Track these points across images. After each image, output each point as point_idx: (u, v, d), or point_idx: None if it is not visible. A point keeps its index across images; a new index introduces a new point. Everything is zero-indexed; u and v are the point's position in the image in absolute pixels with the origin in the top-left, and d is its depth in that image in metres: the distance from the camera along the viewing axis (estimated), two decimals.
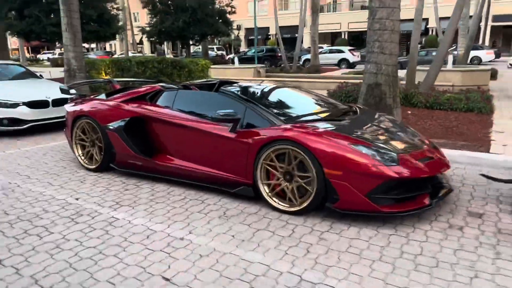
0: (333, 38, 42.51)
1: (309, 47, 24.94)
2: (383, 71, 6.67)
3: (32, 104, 7.11)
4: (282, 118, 3.82)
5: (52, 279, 2.52)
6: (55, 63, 34.09)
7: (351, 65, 27.09)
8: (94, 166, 4.89)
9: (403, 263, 2.68)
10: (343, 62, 27.36)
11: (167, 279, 2.50)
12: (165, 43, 32.10)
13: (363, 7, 41.68)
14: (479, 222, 3.32)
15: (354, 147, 3.30)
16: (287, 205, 3.55)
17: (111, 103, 4.75)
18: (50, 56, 47.68)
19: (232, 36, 35.78)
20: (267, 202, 3.65)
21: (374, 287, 2.42)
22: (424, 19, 38.40)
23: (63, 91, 5.35)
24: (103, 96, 5.13)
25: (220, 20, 24.21)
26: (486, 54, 26.51)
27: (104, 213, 3.62)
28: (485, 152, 5.16)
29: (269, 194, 3.64)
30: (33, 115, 7.09)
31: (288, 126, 3.59)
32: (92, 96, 5.37)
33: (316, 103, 4.63)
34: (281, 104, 4.35)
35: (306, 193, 3.44)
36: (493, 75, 15.72)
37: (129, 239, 3.10)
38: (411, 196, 3.34)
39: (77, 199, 4.01)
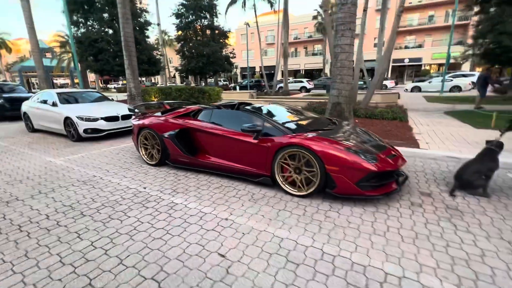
0: (295, 73, 41.99)
1: (281, 79, 24.21)
2: (342, 95, 6.27)
3: (107, 119, 6.46)
4: (291, 129, 3.36)
5: (133, 259, 2.04)
6: (119, 90, 32.73)
7: (308, 90, 26.69)
8: (154, 163, 4.34)
9: (392, 236, 2.29)
10: (302, 88, 26.95)
11: (222, 256, 2.05)
12: (189, 77, 31.02)
13: (313, 54, 41.29)
14: (431, 200, 2.96)
15: (346, 149, 2.88)
16: (296, 191, 3.11)
17: (165, 118, 4.20)
18: (115, 85, 45.73)
19: (233, 72, 34.90)
20: (281, 188, 3.21)
21: (379, 257, 2.01)
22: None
23: (130, 110, 4.75)
24: (158, 114, 4.56)
25: (226, 62, 23.41)
26: (390, 83, 26.40)
27: (165, 199, 3.12)
28: (416, 148, 4.82)
29: (283, 182, 3.20)
30: (107, 126, 6.44)
31: (295, 135, 3.14)
32: (149, 114, 4.79)
33: (309, 117, 4.17)
34: (285, 118, 3.86)
35: (311, 182, 3.02)
36: (398, 96, 15.51)
37: (188, 221, 2.62)
38: (384, 183, 2.94)
39: (145, 188, 3.48)
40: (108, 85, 53.73)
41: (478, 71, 25.23)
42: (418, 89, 21.75)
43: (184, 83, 38.74)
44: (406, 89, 22.55)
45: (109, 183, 3.67)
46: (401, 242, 2.18)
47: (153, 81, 51.14)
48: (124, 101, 10.50)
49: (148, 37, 18.13)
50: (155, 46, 20.84)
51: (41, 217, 2.73)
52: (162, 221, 2.61)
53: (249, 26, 28.25)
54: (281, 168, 3.19)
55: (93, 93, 8.25)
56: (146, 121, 4.35)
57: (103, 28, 15.98)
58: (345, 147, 2.93)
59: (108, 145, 5.98)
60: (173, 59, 48.15)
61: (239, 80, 42.35)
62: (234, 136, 3.50)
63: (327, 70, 39.43)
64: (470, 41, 16.83)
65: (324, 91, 23.57)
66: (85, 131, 6.22)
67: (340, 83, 6.23)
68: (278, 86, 28.68)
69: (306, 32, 41.00)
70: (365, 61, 36.91)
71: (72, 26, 15.23)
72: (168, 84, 29.83)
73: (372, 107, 9.36)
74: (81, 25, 16.64)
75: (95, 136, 6.36)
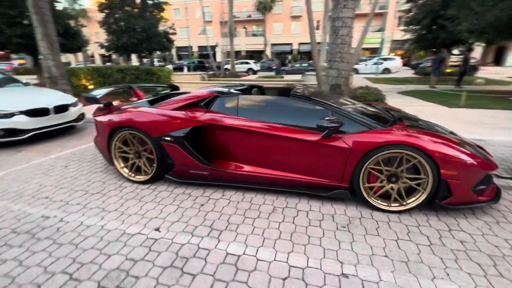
0: (236, 54, 40.41)
1: (222, 60, 22.28)
2: (342, 75, 5.65)
3: (31, 113, 4.27)
4: (378, 122, 2.43)
5: None
6: (16, 72, 24.93)
7: (255, 72, 25.81)
8: (144, 178, 2.85)
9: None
10: (249, 70, 25.90)
11: None
12: (120, 56, 26.20)
13: (253, 35, 40.23)
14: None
15: (460, 147, 2.16)
16: (388, 205, 2.29)
17: (162, 112, 2.72)
18: (4, 66, 32.01)
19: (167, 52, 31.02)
20: (368, 203, 2.33)
21: None
22: (289, 44, 39.26)
23: (89, 99, 2.99)
24: (142, 104, 2.98)
25: (165, 39, 20.30)
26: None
27: (211, 249, 1.85)
28: None
29: (371, 195, 2.31)
30: (32, 123, 4.27)
31: (389, 130, 2.25)
32: (120, 105, 3.15)
33: (356, 103, 3.17)
34: (346, 108, 2.65)
35: (412, 193, 2.23)
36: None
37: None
38: (489, 186, 2.35)
39: (158, 230, 2.09)
40: None
41: (394, 56, 28.76)
42: (356, 71, 23.39)
43: (111, 63, 32.78)
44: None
45: (83, 228, 2.12)
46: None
47: (64, 61, 41.66)
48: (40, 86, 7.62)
49: (57, 1, 13.86)
50: (71, 14, 16.25)
51: None
52: None
53: None
54: (367, 177, 2.29)
55: None
56: (125, 117, 2.76)
57: None
58: (457, 143, 2.21)
59: (42, 154, 3.95)
60: (90, 34, 40.00)
61: (176, 60, 38.32)
62: (291, 135, 2.39)
63: (268, 52, 39.20)
64: (400, 27, 18.66)
65: (270, 73, 23.14)
66: None
67: (340, 62, 5.56)
68: (223, 67, 26.92)
69: (245, 11, 39.35)
70: (305, 43, 38.19)
71: None
72: (88, 65, 24.63)
73: (351, 89, 9.11)
74: None
75: (10, 140, 4.16)
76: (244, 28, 40.50)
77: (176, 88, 4.28)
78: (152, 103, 2.93)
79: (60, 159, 3.69)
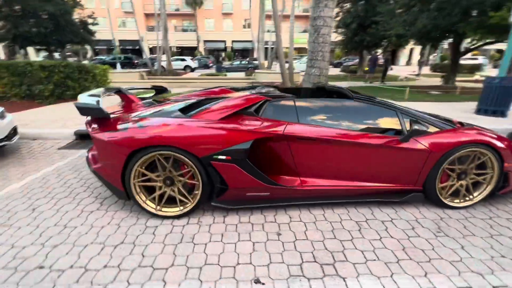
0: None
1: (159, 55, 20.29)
2: (324, 74, 5.74)
3: None
4: (446, 122, 2.45)
5: None
6: None
7: (192, 70, 24.33)
8: (179, 211, 2.17)
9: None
10: (187, 67, 24.25)
11: None
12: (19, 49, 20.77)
13: (183, 30, 37.96)
14: None
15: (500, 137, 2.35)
16: (459, 202, 2.35)
17: (207, 124, 2.08)
18: None
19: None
20: (442, 203, 2.33)
21: None
22: (223, 41, 38.71)
23: (88, 111, 2.01)
24: (168, 113, 2.23)
25: (83, 29, 16.95)
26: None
27: None
28: None
29: (444, 196, 2.33)
30: None
31: (463, 131, 2.28)
32: (121, 116, 2.32)
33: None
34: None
35: (478, 187, 2.35)
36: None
37: None
38: None
39: (258, 281, 1.56)
40: None
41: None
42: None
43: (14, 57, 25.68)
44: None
45: None
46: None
47: None
48: None
49: None
50: None
51: None
52: None
53: None
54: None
55: None
56: (154, 133, 1.99)
57: None
58: (495, 134, 2.40)
59: None
60: None
61: (93, 56, 32.84)
62: (368, 141, 2.17)
63: (201, 49, 37.71)
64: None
65: (210, 71, 22.30)
66: None
67: (322, 61, 5.64)
68: (156, 64, 24.45)
69: (172, 5, 36.64)
70: (238, 41, 38.28)
71: None
72: None
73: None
74: None
75: None
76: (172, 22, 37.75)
77: (164, 90, 3.50)
78: (183, 111, 2.22)
79: (14, 199, 2.51)
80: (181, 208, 2.17)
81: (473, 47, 10.81)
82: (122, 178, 2.09)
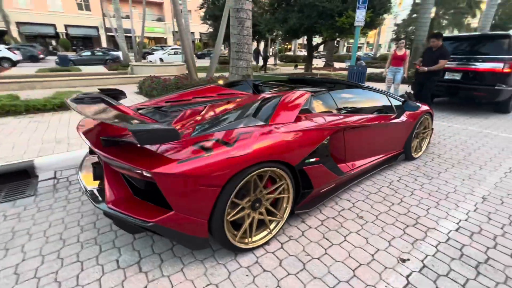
0: None
1: None
2: (250, 66, 5.93)
3: None
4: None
5: None
6: None
7: (14, 64, 17.11)
8: (271, 234, 1.84)
9: None
10: (4, 60, 16.67)
11: None
12: None
13: None
14: None
15: None
16: (418, 152, 3.39)
17: (289, 128, 1.81)
18: None
19: None
20: (413, 158, 3.27)
21: None
22: (52, 24, 29.32)
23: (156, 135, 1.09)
24: (243, 124, 1.73)
25: None
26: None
27: None
28: None
29: (413, 151, 3.28)
30: None
31: (423, 105, 3.23)
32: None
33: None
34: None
35: (424, 141, 3.47)
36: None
37: None
38: None
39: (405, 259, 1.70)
40: None
41: (174, 46, 30.76)
42: (161, 60, 22.87)
43: None
44: (155, 60, 22.64)
45: None
46: None
47: None
48: None
49: None
50: None
51: None
52: None
53: None
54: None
55: None
56: (253, 148, 1.55)
57: None
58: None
59: None
60: None
61: None
62: (384, 121, 2.70)
63: (14, 34, 26.93)
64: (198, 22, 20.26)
65: (41, 64, 16.69)
66: None
67: (248, 53, 5.81)
68: None
69: None
70: (75, 27, 30.18)
71: None
72: None
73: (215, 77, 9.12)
74: None
75: None
76: None
77: (121, 93, 2.60)
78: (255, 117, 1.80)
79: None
80: (273, 227, 1.87)
81: (321, 42, 14.27)
82: (210, 219, 1.52)
